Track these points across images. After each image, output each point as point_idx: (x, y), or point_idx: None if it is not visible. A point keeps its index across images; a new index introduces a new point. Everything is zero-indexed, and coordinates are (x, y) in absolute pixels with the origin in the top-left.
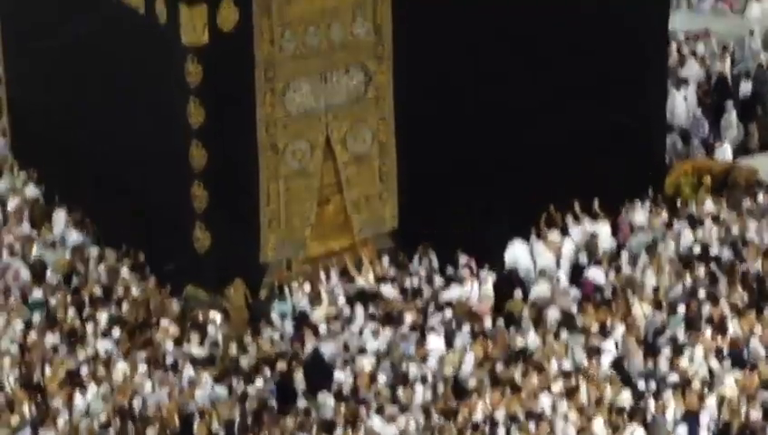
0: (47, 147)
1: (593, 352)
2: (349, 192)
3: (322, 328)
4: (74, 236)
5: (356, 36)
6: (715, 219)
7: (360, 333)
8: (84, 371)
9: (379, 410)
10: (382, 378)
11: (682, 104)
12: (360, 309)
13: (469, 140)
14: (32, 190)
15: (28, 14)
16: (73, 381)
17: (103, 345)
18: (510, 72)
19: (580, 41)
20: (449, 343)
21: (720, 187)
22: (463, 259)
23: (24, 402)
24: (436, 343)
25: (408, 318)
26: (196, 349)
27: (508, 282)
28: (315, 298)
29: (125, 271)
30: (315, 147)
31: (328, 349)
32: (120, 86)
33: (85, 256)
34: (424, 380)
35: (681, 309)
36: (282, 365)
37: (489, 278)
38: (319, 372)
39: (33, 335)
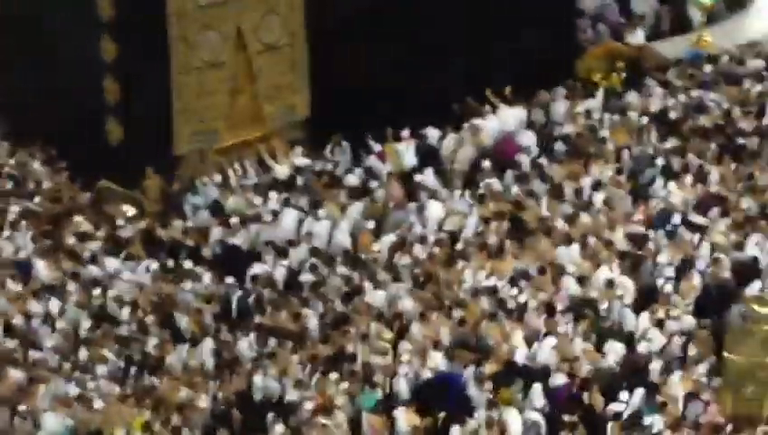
0: None
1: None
2: (260, 82)
3: (233, 221)
4: None
5: None
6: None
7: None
8: None
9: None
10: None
11: None
12: (275, 196)
13: (382, 28)
14: None
15: None
16: None
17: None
18: None
19: None
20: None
21: (632, 70)
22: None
23: None
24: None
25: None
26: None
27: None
28: (228, 189)
29: (37, 165)
30: (227, 38)
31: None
32: None
33: None
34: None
35: (659, 161)
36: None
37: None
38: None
39: None
